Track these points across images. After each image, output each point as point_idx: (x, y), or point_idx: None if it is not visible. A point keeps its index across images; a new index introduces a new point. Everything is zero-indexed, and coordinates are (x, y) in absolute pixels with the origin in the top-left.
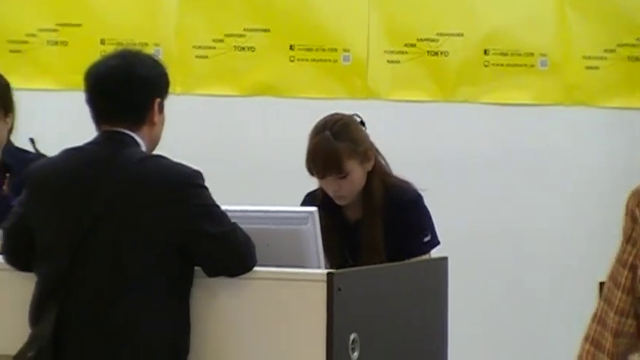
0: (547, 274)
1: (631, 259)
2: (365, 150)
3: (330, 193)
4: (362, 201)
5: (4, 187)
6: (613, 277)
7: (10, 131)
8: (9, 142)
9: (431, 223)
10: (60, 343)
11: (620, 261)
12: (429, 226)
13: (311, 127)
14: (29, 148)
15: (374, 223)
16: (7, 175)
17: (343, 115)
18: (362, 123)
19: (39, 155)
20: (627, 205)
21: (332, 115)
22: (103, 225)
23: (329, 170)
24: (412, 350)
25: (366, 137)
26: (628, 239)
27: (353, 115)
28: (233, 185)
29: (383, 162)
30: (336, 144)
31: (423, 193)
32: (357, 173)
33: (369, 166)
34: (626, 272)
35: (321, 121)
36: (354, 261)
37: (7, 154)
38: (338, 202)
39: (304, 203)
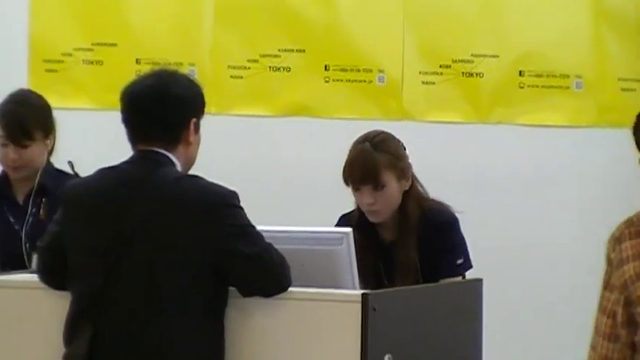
0: (583, 294)
1: (610, 305)
2: (403, 167)
3: (364, 208)
4: (397, 222)
5: (41, 212)
6: (596, 325)
7: (50, 152)
8: (49, 164)
9: (465, 246)
10: None
11: (600, 308)
12: (463, 249)
13: (345, 148)
14: (68, 169)
15: (409, 244)
16: (44, 199)
17: (384, 131)
18: (402, 147)
19: (77, 178)
20: (606, 251)
21: (374, 130)
22: (137, 244)
23: (365, 180)
24: None
25: (405, 155)
26: (606, 285)
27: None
28: (268, 205)
29: (420, 188)
30: (375, 154)
31: (459, 216)
32: (393, 188)
33: (406, 185)
34: (605, 319)
35: (362, 135)
36: (389, 282)
37: (46, 176)
38: (371, 218)
39: (339, 224)
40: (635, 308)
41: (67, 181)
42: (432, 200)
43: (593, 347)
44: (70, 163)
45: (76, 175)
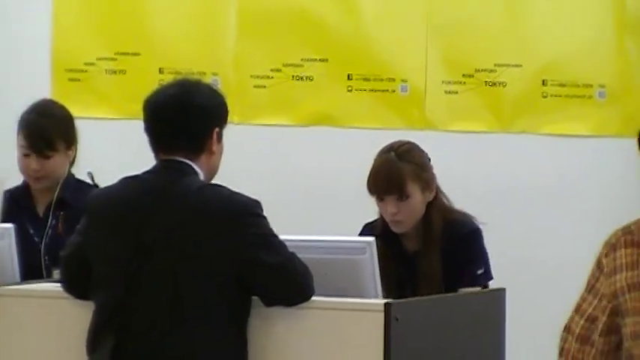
0: None
1: (590, 309)
2: (428, 178)
3: (388, 218)
4: (421, 232)
5: (59, 225)
6: (568, 323)
7: (72, 163)
8: (70, 175)
9: (486, 258)
10: None
11: (578, 309)
12: (484, 260)
13: (368, 157)
14: (77, 176)
15: (432, 254)
16: (62, 213)
17: (409, 141)
18: (427, 158)
19: (97, 188)
20: (598, 254)
21: (399, 140)
22: (159, 254)
23: (390, 190)
24: None
25: (430, 166)
26: (590, 289)
27: None
28: (290, 215)
29: (445, 199)
30: (400, 164)
31: (482, 227)
32: (417, 199)
33: (430, 196)
34: (582, 321)
35: (387, 144)
36: (412, 292)
37: (66, 187)
38: (394, 228)
39: (362, 234)
40: (622, 319)
41: (86, 192)
42: (457, 211)
43: (563, 339)
44: (90, 174)
45: (96, 185)
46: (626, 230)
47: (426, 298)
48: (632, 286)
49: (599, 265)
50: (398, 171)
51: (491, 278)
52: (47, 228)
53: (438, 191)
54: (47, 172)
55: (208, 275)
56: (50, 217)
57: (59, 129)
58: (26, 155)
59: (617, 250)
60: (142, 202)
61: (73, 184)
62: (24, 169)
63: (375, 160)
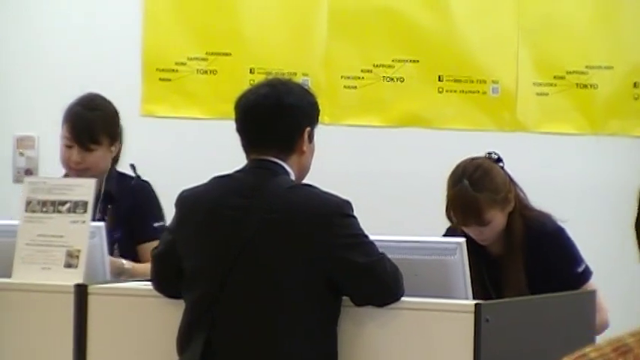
0: None
1: None
2: (505, 196)
3: (472, 237)
4: (504, 236)
5: (107, 218)
6: None
7: (116, 160)
8: (112, 169)
9: (578, 253)
10: None
11: None
12: (579, 256)
13: (458, 158)
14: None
15: (516, 258)
16: (110, 206)
17: (481, 162)
18: (499, 160)
19: (140, 181)
20: None
21: (470, 161)
22: (250, 253)
23: (468, 222)
24: None
25: (504, 181)
26: None
27: (489, 154)
28: (379, 215)
29: (521, 194)
30: (475, 195)
31: (564, 225)
32: (498, 220)
33: (510, 208)
34: None
35: (459, 167)
36: (497, 296)
37: (110, 182)
38: (480, 243)
39: (446, 236)
40: None
41: (130, 186)
42: (535, 210)
43: None
44: (132, 166)
45: (138, 177)
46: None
47: (517, 300)
48: None
49: None
50: (475, 203)
51: (591, 272)
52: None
53: (515, 189)
54: (88, 165)
55: (299, 275)
56: (98, 211)
57: (104, 123)
58: (69, 147)
59: None
60: (234, 202)
61: (116, 177)
62: (65, 161)
63: (449, 188)
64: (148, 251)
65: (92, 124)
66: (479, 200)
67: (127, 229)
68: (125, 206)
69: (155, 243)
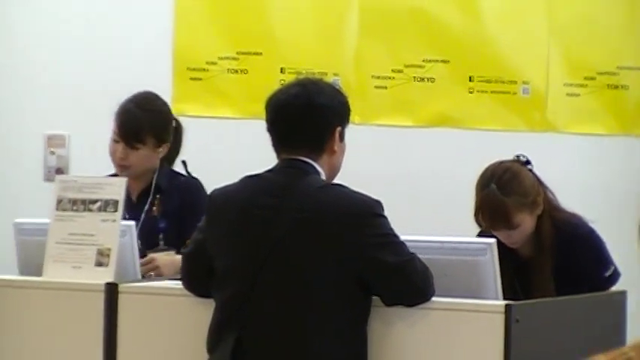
0: None
1: None
2: (533, 199)
3: (502, 240)
4: (533, 240)
5: (154, 208)
6: None
7: (169, 160)
8: (164, 166)
9: (608, 255)
10: None
11: None
12: (609, 259)
13: (489, 159)
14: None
15: (546, 261)
16: (158, 196)
17: (509, 165)
18: (527, 162)
19: (190, 178)
20: None
21: (498, 165)
22: (281, 252)
23: (497, 225)
24: None
25: (533, 184)
26: None
27: (517, 156)
28: (410, 215)
29: (551, 195)
30: (503, 199)
31: (593, 225)
32: (527, 223)
33: (539, 211)
34: None
35: (487, 171)
36: (526, 298)
37: (161, 177)
38: (510, 246)
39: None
40: None
41: (179, 182)
42: (565, 212)
43: None
44: (184, 163)
45: (189, 174)
46: None
47: (547, 300)
48: None
49: None
50: (503, 207)
51: (620, 275)
52: (142, 213)
53: (544, 191)
54: (130, 162)
55: (329, 274)
56: (148, 203)
57: (152, 124)
58: (116, 141)
59: None
60: (264, 201)
61: (168, 173)
62: (112, 154)
63: (478, 194)
64: None
65: (139, 123)
66: (507, 204)
67: (173, 223)
68: (174, 201)
69: None
